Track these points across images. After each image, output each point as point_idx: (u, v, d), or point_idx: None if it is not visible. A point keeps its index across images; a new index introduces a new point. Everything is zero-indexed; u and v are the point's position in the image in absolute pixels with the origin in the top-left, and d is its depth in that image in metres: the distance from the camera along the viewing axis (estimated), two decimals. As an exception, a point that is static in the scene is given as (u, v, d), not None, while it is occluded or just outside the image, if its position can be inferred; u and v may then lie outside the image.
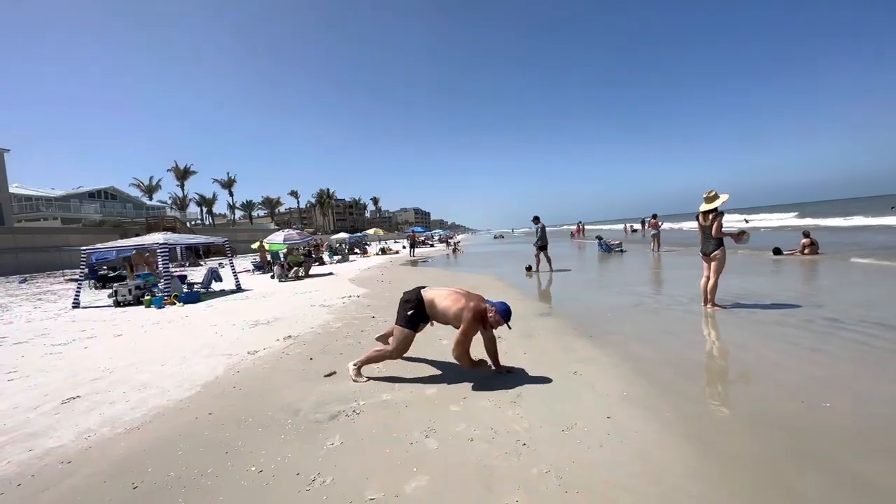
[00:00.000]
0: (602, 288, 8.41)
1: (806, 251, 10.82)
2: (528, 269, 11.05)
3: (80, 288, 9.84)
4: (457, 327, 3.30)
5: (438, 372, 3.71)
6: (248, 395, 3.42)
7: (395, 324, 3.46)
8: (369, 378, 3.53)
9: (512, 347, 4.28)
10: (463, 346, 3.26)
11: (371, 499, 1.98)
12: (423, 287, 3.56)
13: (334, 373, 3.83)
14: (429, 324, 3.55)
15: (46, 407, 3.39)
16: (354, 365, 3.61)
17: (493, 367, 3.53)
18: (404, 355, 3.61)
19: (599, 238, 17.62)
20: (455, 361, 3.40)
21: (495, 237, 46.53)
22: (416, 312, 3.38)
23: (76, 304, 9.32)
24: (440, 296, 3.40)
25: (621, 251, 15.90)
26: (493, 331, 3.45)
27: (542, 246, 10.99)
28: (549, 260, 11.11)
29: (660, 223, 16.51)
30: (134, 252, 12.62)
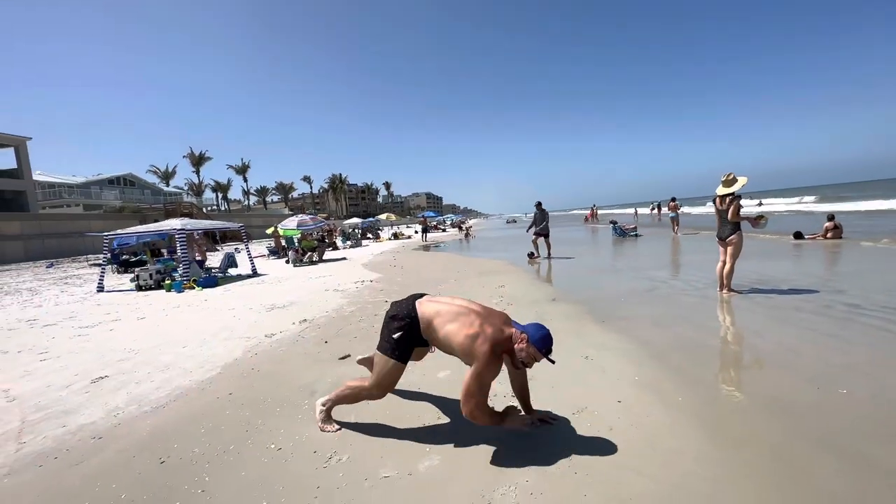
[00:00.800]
0: (616, 273, 8.33)
1: (829, 235, 10.51)
2: (531, 255, 10.95)
3: (103, 272, 10.15)
4: (467, 363, 2.17)
5: (451, 356, 3.75)
6: (266, 377, 3.53)
7: (377, 349, 2.36)
8: (341, 427, 2.52)
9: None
10: (476, 396, 2.09)
11: (385, 476, 2.05)
12: (420, 296, 2.43)
13: (349, 356, 3.91)
14: (429, 350, 2.54)
15: (77, 386, 3.55)
16: (323, 405, 2.57)
17: (526, 417, 2.37)
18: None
19: (614, 223, 17.38)
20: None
21: (508, 221, 46.18)
22: (406, 334, 2.27)
23: (100, 288, 9.64)
24: (443, 313, 2.24)
25: (636, 235, 15.68)
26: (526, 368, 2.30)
27: (542, 233, 10.95)
28: (548, 246, 11.06)
29: (679, 206, 16.33)
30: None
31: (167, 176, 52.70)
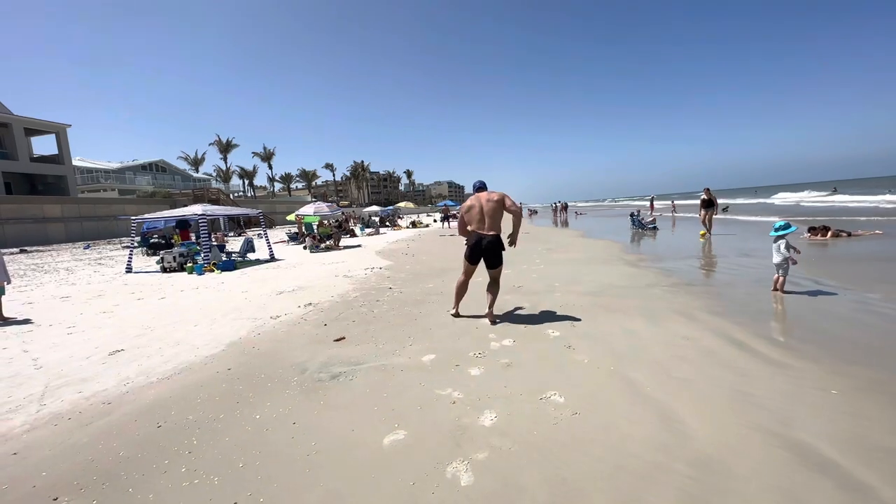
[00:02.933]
0: (623, 264, 8.24)
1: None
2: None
3: (131, 254, 10.76)
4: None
5: (441, 342, 3.91)
6: (264, 355, 3.77)
7: (497, 266, 4.41)
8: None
9: (515, 320, 4.42)
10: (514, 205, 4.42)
11: (353, 448, 2.22)
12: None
13: (343, 338, 4.12)
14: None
15: (96, 357, 3.89)
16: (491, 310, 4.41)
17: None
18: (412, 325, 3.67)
19: (633, 214, 17.04)
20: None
21: (530, 213, 45.37)
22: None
23: (129, 269, 10.24)
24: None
25: (654, 228, 15.36)
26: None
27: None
28: None
29: (716, 198, 12.32)
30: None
31: (196, 162, 54.40)
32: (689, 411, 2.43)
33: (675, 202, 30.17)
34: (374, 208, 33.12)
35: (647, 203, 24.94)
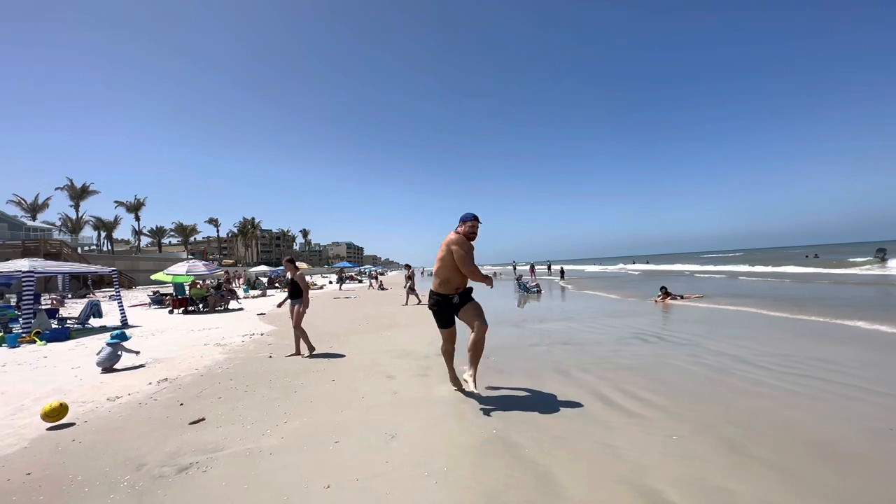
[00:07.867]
0: (510, 326, 8.73)
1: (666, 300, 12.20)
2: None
3: None
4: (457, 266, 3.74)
5: (321, 415, 3.56)
6: (87, 449, 3.00)
7: (474, 315, 3.82)
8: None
9: (403, 388, 4.27)
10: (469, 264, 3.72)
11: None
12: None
13: (202, 419, 3.51)
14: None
15: None
16: (469, 377, 3.85)
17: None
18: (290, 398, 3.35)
19: (518, 279, 18.53)
20: None
21: (426, 274, 46.33)
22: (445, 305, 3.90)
23: None
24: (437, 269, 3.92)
25: (538, 291, 16.79)
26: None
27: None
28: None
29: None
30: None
31: (35, 209, 45.30)
32: (562, 470, 2.53)
33: (536, 266, 33.12)
34: (263, 268, 30.72)
35: (528, 268, 27.87)
